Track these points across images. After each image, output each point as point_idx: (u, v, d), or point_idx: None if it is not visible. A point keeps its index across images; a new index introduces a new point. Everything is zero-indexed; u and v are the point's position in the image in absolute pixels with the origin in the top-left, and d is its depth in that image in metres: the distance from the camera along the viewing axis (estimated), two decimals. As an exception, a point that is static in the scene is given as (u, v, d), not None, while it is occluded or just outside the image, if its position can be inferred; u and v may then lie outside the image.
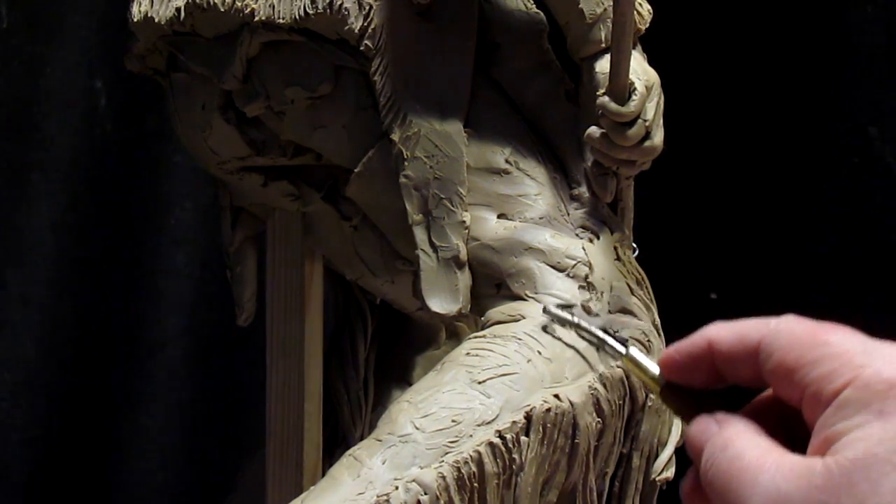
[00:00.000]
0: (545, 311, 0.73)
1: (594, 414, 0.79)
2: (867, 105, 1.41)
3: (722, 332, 0.49)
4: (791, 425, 0.47)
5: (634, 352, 0.54)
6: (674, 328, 0.87)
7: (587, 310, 0.82)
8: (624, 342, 0.56)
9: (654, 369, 0.53)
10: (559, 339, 0.80)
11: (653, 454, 0.85)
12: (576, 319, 0.66)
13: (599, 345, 0.57)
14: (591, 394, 0.79)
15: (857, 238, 1.43)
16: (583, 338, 0.71)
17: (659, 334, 0.85)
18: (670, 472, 0.86)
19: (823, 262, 1.44)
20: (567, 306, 0.77)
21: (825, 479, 0.43)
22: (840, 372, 0.44)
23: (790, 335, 0.46)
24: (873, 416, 0.43)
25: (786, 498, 0.43)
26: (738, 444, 0.46)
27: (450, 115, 0.87)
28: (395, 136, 0.87)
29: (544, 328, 0.80)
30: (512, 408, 0.77)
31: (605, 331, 0.59)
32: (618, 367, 0.81)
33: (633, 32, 0.83)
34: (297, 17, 0.88)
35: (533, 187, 0.87)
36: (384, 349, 1.10)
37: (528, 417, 0.77)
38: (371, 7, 0.87)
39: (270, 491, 1.01)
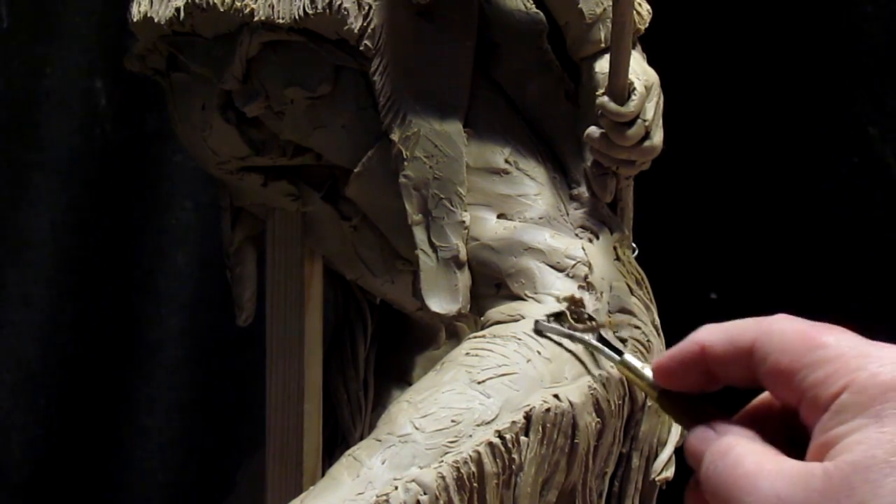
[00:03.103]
0: (536, 325, 0.74)
1: (593, 414, 0.79)
2: (867, 105, 1.41)
3: (713, 336, 0.49)
4: (790, 425, 0.47)
5: (629, 358, 0.54)
6: (674, 328, 0.87)
7: (579, 315, 0.81)
8: (618, 350, 0.56)
9: (650, 374, 0.53)
10: (558, 343, 0.80)
11: (652, 454, 0.85)
12: (567, 330, 0.66)
13: (594, 351, 0.57)
14: (591, 394, 0.79)
15: (857, 238, 1.43)
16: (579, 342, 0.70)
17: (659, 334, 0.85)
18: (670, 472, 0.86)
19: (823, 262, 1.44)
20: (557, 315, 0.77)
21: (824, 484, 0.43)
22: (836, 376, 0.44)
23: (782, 337, 0.46)
24: (870, 419, 0.43)
25: (785, 503, 0.43)
26: (737, 450, 0.46)
27: (449, 115, 0.87)
28: (395, 136, 0.87)
29: (538, 332, 0.80)
30: (511, 408, 0.77)
31: (600, 338, 0.59)
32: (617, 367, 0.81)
33: (632, 32, 0.83)
34: (297, 17, 0.88)
35: (532, 187, 0.87)
36: (384, 349, 1.10)
37: (527, 417, 0.77)
38: (371, 7, 0.87)
39: (270, 491, 1.01)
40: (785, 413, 0.47)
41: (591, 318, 0.80)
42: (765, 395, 0.49)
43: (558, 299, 0.82)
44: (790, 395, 0.46)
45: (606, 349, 0.58)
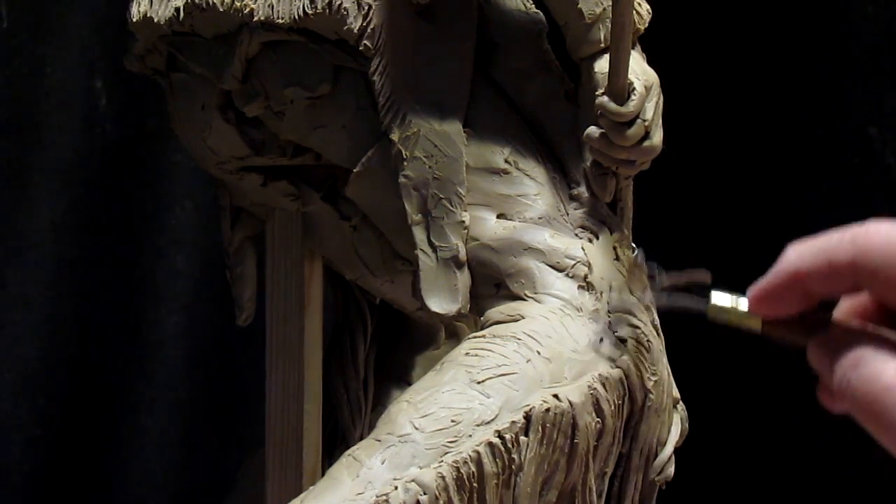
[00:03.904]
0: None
1: (593, 414, 0.79)
2: (867, 105, 1.41)
3: (806, 259, 0.49)
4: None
5: (716, 300, 0.54)
6: (674, 328, 0.87)
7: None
8: (704, 298, 0.55)
9: (744, 308, 0.52)
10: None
11: (652, 454, 0.85)
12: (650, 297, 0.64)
13: (678, 311, 0.56)
14: (591, 394, 0.79)
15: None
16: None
17: (658, 334, 0.85)
18: (670, 472, 0.86)
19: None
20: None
21: None
22: None
23: (888, 253, 0.46)
24: None
25: None
26: (869, 361, 0.46)
27: (449, 115, 0.87)
28: (395, 136, 0.87)
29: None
30: (511, 408, 0.77)
31: (683, 289, 0.57)
32: (617, 366, 0.81)
33: (632, 32, 0.83)
34: (297, 17, 0.88)
35: (532, 187, 0.87)
36: (384, 349, 1.10)
37: (527, 417, 0.77)
38: (370, 7, 0.87)
39: (270, 491, 1.01)
40: (886, 309, 0.48)
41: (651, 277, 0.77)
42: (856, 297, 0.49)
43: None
44: None
45: (691, 302, 0.57)
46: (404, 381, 1.08)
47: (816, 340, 0.49)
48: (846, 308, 0.51)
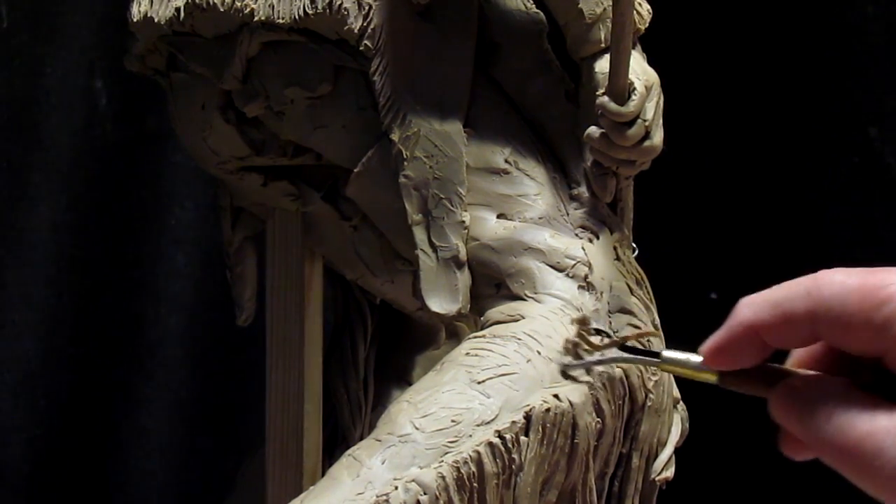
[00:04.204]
0: (563, 371, 0.73)
1: (594, 414, 0.79)
2: (867, 105, 1.41)
3: (760, 313, 0.49)
4: (850, 361, 0.48)
5: (669, 354, 0.54)
6: (674, 328, 0.87)
7: (591, 334, 0.78)
8: (654, 352, 0.56)
9: (697, 361, 0.52)
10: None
11: (652, 454, 0.85)
12: (595, 359, 0.65)
13: (631, 362, 0.57)
14: (591, 394, 0.79)
15: (857, 238, 1.43)
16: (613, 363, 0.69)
17: (659, 335, 0.85)
18: (670, 472, 0.86)
19: (823, 262, 1.44)
20: (574, 345, 0.75)
21: None
22: None
23: (843, 301, 0.46)
24: None
25: None
26: (839, 413, 0.46)
27: (449, 115, 0.87)
28: (395, 136, 0.87)
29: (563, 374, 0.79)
30: (511, 408, 0.77)
31: (627, 348, 0.58)
32: (617, 367, 0.81)
33: (632, 32, 0.83)
34: (297, 17, 0.88)
35: (532, 187, 0.87)
36: (384, 349, 1.10)
37: (527, 417, 0.77)
38: (371, 7, 0.87)
39: (270, 491, 1.01)
40: (840, 355, 0.48)
41: (603, 333, 0.79)
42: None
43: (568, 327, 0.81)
44: (869, 348, 0.46)
45: (642, 356, 0.57)
46: (404, 381, 1.08)
47: (778, 392, 0.49)
48: (799, 356, 0.50)
